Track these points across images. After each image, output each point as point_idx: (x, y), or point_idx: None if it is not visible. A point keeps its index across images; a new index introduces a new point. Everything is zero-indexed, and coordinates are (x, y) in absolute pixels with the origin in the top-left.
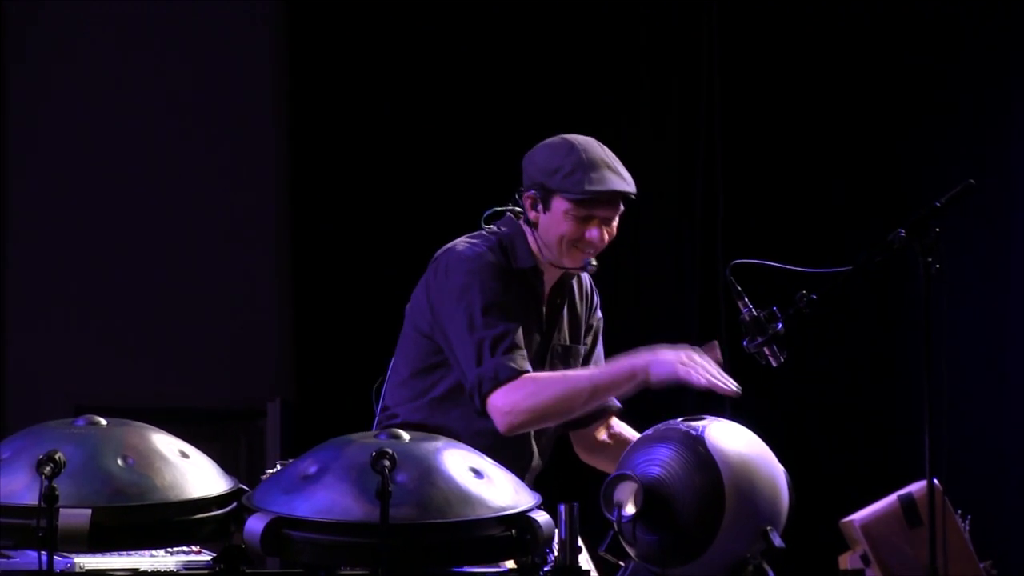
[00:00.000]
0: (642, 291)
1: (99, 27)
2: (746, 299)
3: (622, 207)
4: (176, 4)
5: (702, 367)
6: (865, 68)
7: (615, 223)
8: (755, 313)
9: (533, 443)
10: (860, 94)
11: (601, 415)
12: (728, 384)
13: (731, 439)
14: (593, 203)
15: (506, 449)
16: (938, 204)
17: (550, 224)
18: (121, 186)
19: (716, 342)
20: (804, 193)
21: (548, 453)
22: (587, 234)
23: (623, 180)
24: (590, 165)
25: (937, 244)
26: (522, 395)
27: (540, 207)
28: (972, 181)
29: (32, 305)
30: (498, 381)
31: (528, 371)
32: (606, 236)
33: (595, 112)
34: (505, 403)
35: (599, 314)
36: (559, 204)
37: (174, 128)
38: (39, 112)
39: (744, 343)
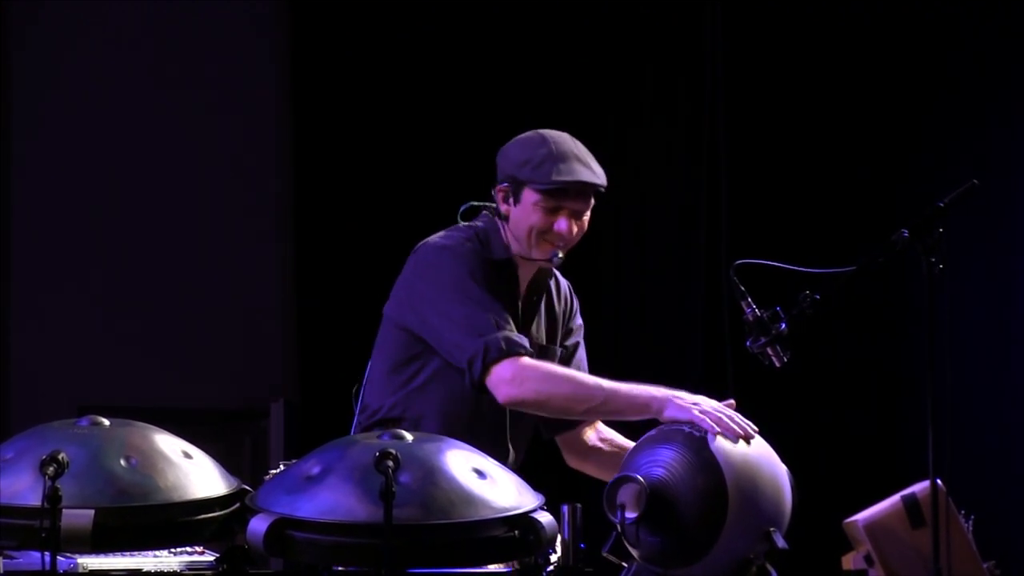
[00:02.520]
0: (646, 291)
1: (101, 26)
2: (749, 299)
3: (592, 202)
4: (178, 3)
5: (719, 414)
6: (868, 68)
7: (586, 217)
8: (759, 313)
9: (509, 442)
10: (863, 94)
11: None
12: (738, 429)
13: (734, 440)
14: (561, 194)
15: (479, 439)
16: (941, 204)
17: (520, 216)
18: (125, 186)
19: (733, 400)
20: (808, 193)
21: (523, 450)
22: (556, 225)
23: (592, 172)
24: (559, 157)
25: (940, 244)
26: (533, 375)
27: (511, 200)
28: (975, 181)
29: (36, 305)
30: (504, 352)
31: (533, 352)
32: (575, 229)
33: (599, 111)
34: (514, 374)
35: (579, 320)
36: (529, 195)
37: (177, 128)
38: (42, 111)
39: (747, 343)
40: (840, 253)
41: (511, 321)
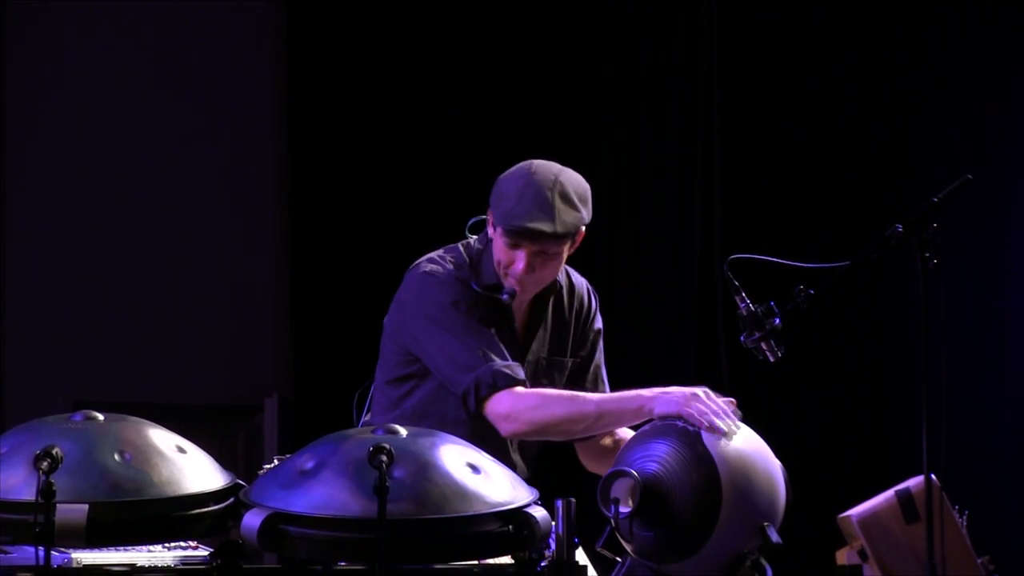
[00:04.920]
0: (641, 286)
1: (98, 26)
2: (744, 294)
3: (560, 247)
4: (176, 4)
5: (708, 406)
6: (863, 65)
7: (556, 260)
8: (753, 308)
9: (515, 455)
10: (858, 90)
11: None
12: (725, 424)
13: (728, 435)
14: (516, 234)
15: None
16: (936, 199)
17: (494, 245)
18: (119, 184)
19: (734, 400)
20: (802, 189)
21: (534, 464)
22: (514, 264)
23: (549, 220)
24: (527, 199)
25: (935, 239)
26: (526, 405)
27: (493, 228)
28: (969, 176)
29: (31, 301)
30: (496, 387)
31: (524, 380)
32: (536, 268)
33: (595, 110)
34: (507, 410)
35: (598, 323)
36: (498, 228)
37: (172, 127)
38: (38, 111)
39: (742, 338)
40: (835, 248)
41: (499, 347)
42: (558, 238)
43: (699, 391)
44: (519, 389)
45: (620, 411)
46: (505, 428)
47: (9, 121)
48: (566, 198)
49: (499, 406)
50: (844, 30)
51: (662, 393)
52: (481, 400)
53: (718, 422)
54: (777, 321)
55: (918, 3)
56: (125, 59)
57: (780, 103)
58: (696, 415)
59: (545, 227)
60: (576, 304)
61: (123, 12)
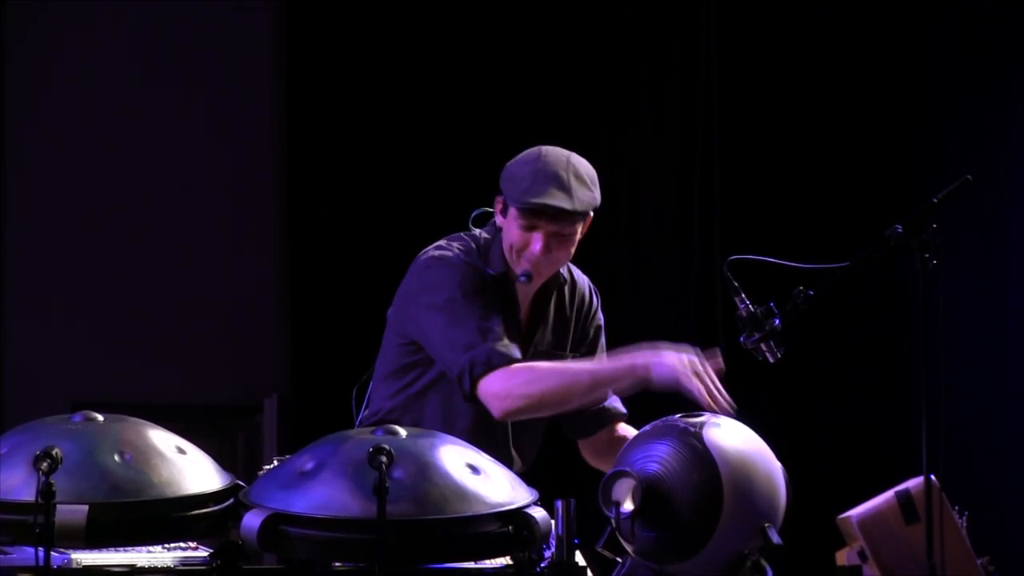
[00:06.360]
0: (640, 286)
1: (97, 27)
2: (743, 295)
3: (576, 226)
4: (174, 4)
5: (703, 377)
6: (862, 65)
7: (571, 241)
8: (752, 309)
9: (512, 449)
10: (858, 90)
11: (607, 421)
12: (723, 401)
13: (729, 436)
14: (534, 214)
15: (482, 448)
16: (935, 200)
17: (506, 231)
18: (119, 184)
19: (718, 349)
20: (802, 189)
21: (531, 457)
22: (530, 245)
23: (568, 198)
24: (541, 177)
25: (934, 240)
26: (518, 381)
27: (504, 213)
28: (969, 177)
29: (30, 302)
30: (491, 365)
31: (520, 359)
32: (552, 250)
33: (594, 110)
34: (501, 388)
35: (599, 320)
36: (511, 211)
37: (172, 127)
38: (37, 111)
39: (741, 339)
40: (834, 248)
41: (501, 331)
42: (575, 216)
43: (693, 358)
44: (513, 367)
45: (614, 375)
46: (499, 407)
47: (9, 121)
48: (580, 178)
49: (492, 386)
50: (844, 30)
51: (654, 357)
52: (475, 380)
53: (716, 396)
54: (777, 322)
55: (918, 3)
56: (125, 59)
57: (780, 103)
58: (696, 394)
59: (564, 204)
60: (578, 300)
61: (123, 12)
